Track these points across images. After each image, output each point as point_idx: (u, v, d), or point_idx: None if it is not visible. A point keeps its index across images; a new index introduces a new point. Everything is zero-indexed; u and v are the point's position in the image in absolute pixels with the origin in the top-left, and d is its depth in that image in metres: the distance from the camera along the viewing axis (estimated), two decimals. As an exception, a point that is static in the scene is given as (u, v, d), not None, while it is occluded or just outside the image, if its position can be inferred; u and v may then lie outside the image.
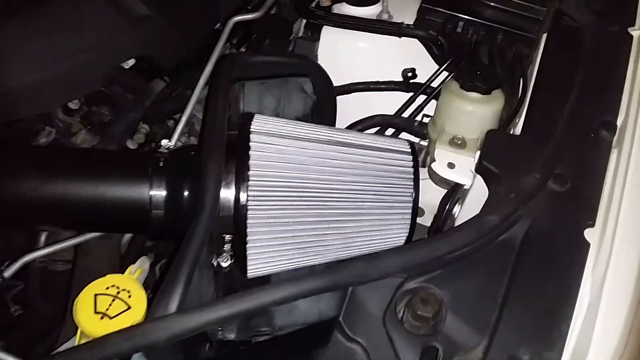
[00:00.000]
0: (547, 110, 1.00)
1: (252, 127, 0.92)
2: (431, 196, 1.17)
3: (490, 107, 1.01)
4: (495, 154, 0.93)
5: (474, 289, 0.80)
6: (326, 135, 0.95)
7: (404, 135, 1.21)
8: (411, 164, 0.95)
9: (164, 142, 0.95)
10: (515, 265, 0.82)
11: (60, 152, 0.98)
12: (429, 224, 1.24)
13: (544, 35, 1.11)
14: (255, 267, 0.92)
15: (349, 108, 1.20)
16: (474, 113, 1.01)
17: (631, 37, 1.08)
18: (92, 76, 1.04)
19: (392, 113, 1.23)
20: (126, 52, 1.07)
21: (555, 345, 0.75)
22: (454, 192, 1.03)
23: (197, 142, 1.12)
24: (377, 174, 0.93)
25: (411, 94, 1.22)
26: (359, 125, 1.21)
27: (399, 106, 1.23)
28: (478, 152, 0.99)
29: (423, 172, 1.18)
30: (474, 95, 1.01)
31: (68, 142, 1.14)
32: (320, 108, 1.13)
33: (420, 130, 1.16)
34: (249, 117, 0.96)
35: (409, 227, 0.95)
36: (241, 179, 0.87)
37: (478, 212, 0.89)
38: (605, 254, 0.82)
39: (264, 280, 0.96)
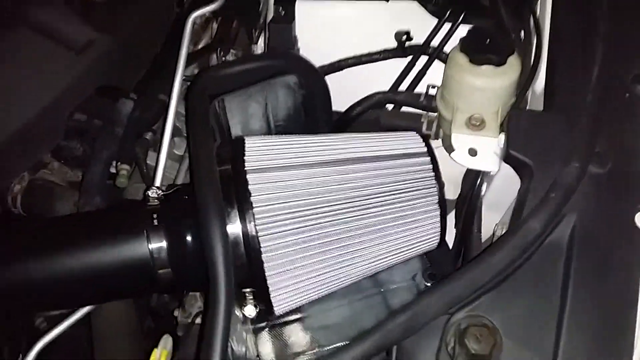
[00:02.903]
0: (570, 71, 0.91)
1: (246, 164, 0.83)
2: (449, 165, 1.10)
3: (507, 77, 0.91)
4: (523, 140, 0.85)
5: (526, 308, 0.76)
6: (330, 154, 0.86)
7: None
8: (430, 166, 0.87)
9: (152, 192, 0.87)
10: (565, 272, 0.77)
11: (39, 225, 0.89)
12: (451, 196, 1.18)
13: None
14: (283, 306, 0.87)
15: (343, 87, 1.09)
16: (489, 88, 0.91)
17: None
18: (53, 127, 0.92)
19: (391, 84, 1.12)
20: (82, 89, 0.94)
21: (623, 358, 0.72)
22: (480, 175, 0.96)
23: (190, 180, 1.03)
24: (394, 186, 0.85)
25: (409, 58, 1.10)
26: (358, 107, 1.11)
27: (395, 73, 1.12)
28: (502, 135, 0.92)
29: (436, 142, 1.11)
30: (487, 68, 0.90)
31: (44, 179, 1.06)
32: (312, 101, 1.03)
33: (429, 104, 1.06)
34: (238, 144, 0.87)
35: (439, 228, 0.89)
36: (248, 225, 0.79)
37: (515, 215, 0.84)
38: (662, 239, 0.77)
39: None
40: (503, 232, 0.98)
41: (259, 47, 1.28)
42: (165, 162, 1.00)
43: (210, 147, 0.80)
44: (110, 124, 1.02)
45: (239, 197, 0.80)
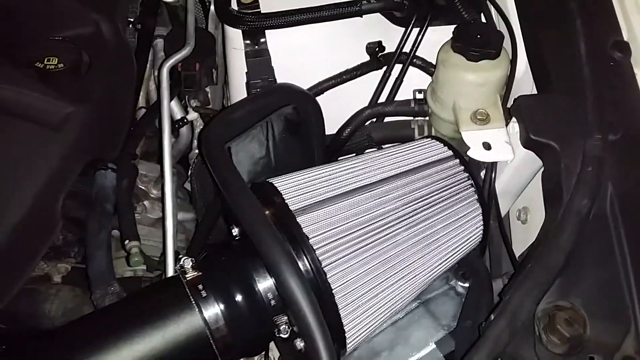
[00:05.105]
0: (555, 50, 0.97)
1: (290, 205, 0.79)
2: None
3: (504, 67, 0.96)
4: (540, 124, 0.90)
5: (595, 283, 0.79)
6: (365, 178, 0.86)
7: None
8: (462, 167, 0.89)
9: (186, 263, 0.80)
10: (618, 240, 0.81)
11: (72, 330, 0.78)
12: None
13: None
14: (355, 343, 0.85)
15: (328, 107, 1.07)
16: (490, 81, 0.95)
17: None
18: (50, 220, 0.81)
19: (371, 95, 1.14)
20: (70, 169, 0.84)
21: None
22: (494, 166, 0.99)
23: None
24: (437, 195, 0.87)
25: (383, 69, 1.12)
26: (350, 127, 1.10)
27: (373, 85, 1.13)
28: (511, 124, 0.96)
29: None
30: (485, 63, 0.94)
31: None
32: (307, 128, 1.01)
33: (421, 109, 1.08)
34: (269, 188, 0.83)
35: (482, 226, 0.92)
36: (313, 269, 0.77)
37: (552, 196, 0.88)
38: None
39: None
40: (528, 217, 1.04)
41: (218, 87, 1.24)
42: (173, 229, 0.92)
43: (252, 197, 0.76)
44: (98, 201, 0.93)
45: (294, 242, 0.77)
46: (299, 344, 0.78)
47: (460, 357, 0.72)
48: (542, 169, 0.92)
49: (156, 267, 1.04)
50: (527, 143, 0.90)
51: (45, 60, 0.87)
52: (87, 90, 0.88)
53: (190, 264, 0.82)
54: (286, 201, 0.80)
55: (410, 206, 0.84)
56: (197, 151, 1.29)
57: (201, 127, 1.33)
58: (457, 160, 0.90)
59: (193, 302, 0.77)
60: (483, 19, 1.10)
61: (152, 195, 1.19)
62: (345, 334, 0.80)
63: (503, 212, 1.11)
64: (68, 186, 0.84)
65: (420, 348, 0.96)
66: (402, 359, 0.95)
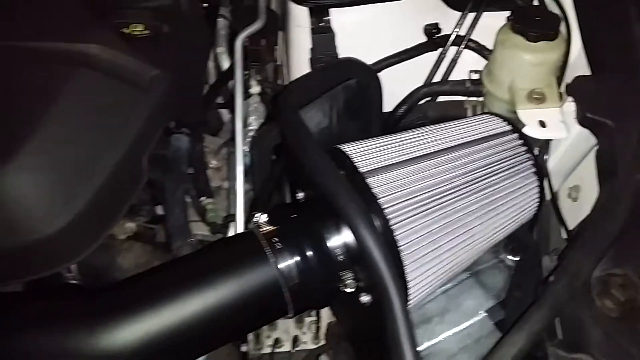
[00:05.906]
0: (609, 33, 1.01)
1: (359, 167, 0.85)
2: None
3: (561, 48, 1.01)
4: (596, 103, 0.94)
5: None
6: (430, 146, 0.91)
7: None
8: (521, 141, 0.94)
9: (261, 219, 0.86)
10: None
11: (147, 276, 0.85)
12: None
13: None
14: (415, 301, 0.89)
15: (384, 85, 1.13)
16: (547, 62, 1.00)
17: None
18: (137, 176, 0.88)
19: (424, 75, 1.18)
20: (154, 129, 0.91)
21: None
22: (546, 146, 1.04)
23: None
24: (497, 165, 0.92)
25: (439, 51, 1.17)
26: (406, 104, 1.16)
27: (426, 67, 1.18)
28: (567, 103, 1.00)
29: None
30: (543, 44, 0.99)
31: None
32: (368, 104, 1.06)
33: (476, 89, 1.13)
34: (337, 153, 0.88)
35: (538, 198, 0.96)
36: (383, 228, 0.81)
37: (606, 172, 0.92)
38: None
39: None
40: (578, 195, 1.08)
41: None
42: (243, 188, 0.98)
43: (329, 159, 0.81)
44: (175, 162, 0.99)
45: (365, 202, 0.82)
46: (364, 298, 0.83)
47: (522, 313, 0.76)
48: (596, 147, 0.96)
49: (219, 230, 1.11)
50: (583, 121, 0.95)
51: (132, 26, 0.94)
52: (168, 57, 0.95)
53: (266, 218, 0.88)
54: (355, 164, 0.86)
55: (472, 174, 0.89)
56: (251, 127, 1.35)
57: (255, 104, 1.40)
58: (516, 135, 0.95)
59: (269, 252, 0.83)
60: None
61: (211, 165, 1.25)
62: (409, 293, 0.85)
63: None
64: (153, 144, 0.90)
65: (471, 315, 1.01)
66: (453, 325, 1.00)
